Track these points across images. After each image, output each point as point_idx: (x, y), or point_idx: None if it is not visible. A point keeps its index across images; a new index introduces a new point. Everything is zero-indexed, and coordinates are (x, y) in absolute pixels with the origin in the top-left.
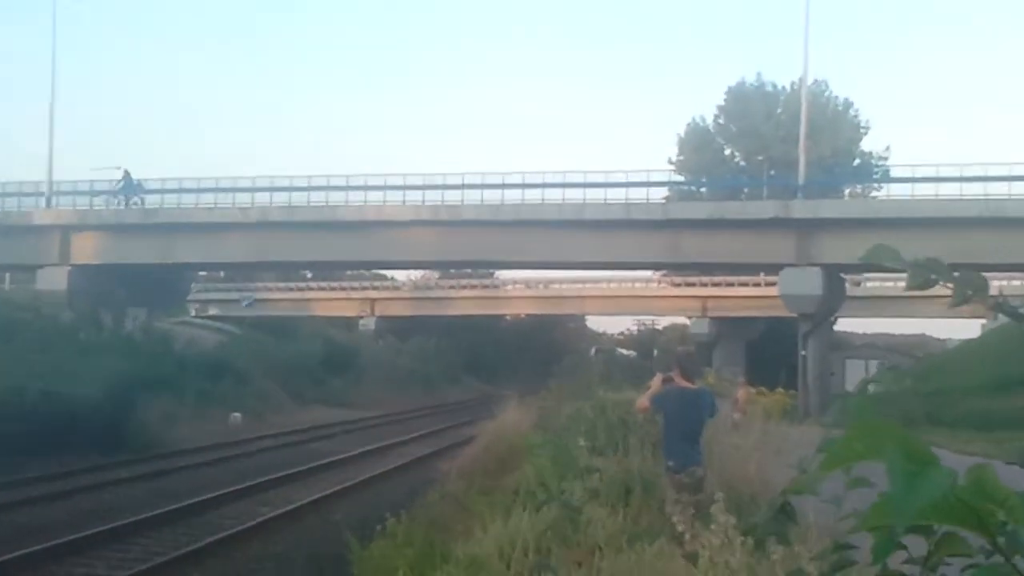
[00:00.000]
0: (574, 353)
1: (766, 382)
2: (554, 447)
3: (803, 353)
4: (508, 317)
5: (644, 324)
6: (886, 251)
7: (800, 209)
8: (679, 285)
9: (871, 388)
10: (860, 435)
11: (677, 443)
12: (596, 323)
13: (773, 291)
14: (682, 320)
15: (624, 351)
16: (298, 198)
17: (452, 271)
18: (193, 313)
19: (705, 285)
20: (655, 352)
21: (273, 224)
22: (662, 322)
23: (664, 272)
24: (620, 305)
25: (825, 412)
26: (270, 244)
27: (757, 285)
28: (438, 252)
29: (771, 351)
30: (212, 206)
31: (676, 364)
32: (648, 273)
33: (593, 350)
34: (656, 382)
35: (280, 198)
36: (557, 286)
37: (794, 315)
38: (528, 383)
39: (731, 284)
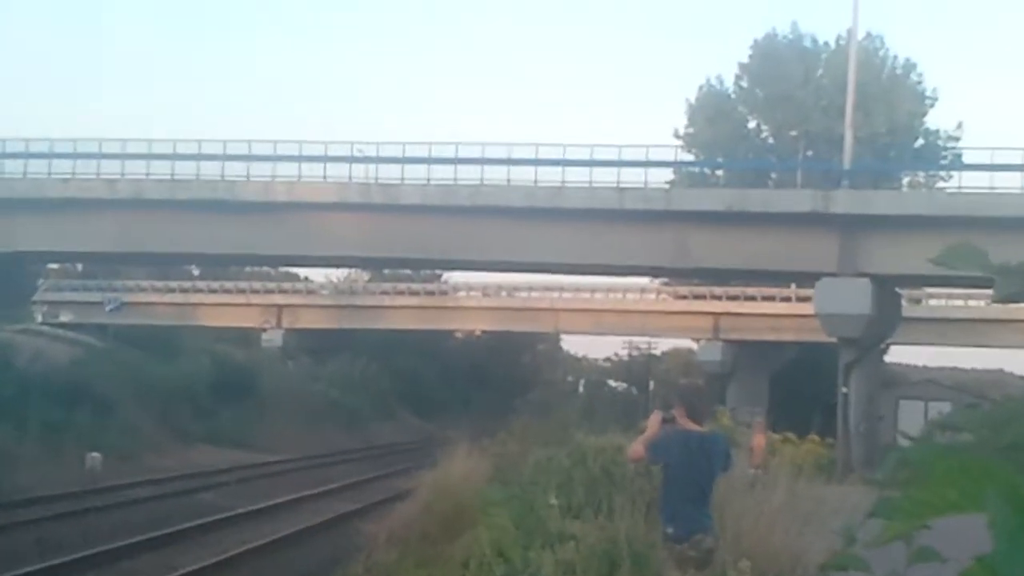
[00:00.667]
0: (545, 383)
1: (796, 427)
2: (517, 506)
3: (844, 390)
4: (459, 334)
5: (638, 348)
6: (967, 252)
7: (845, 202)
8: (684, 297)
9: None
10: (951, 479)
11: (680, 503)
12: (575, 345)
13: (807, 308)
14: (687, 343)
15: (612, 383)
16: (184, 169)
17: (387, 272)
18: (40, 319)
19: (718, 298)
20: (651, 385)
21: (149, 203)
22: (661, 345)
23: (665, 280)
24: (607, 322)
25: (871, 467)
26: (145, 229)
27: (786, 300)
28: (368, 246)
29: (803, 387)
30: (68, 176)
31: (679, 400)
32: (644, 281)
33: (580, 383)
34: (653, 423)
35: (160, 168)
36: (525, 295)
37: (834, 340)
38: (483, 421)
39: (752, 298)
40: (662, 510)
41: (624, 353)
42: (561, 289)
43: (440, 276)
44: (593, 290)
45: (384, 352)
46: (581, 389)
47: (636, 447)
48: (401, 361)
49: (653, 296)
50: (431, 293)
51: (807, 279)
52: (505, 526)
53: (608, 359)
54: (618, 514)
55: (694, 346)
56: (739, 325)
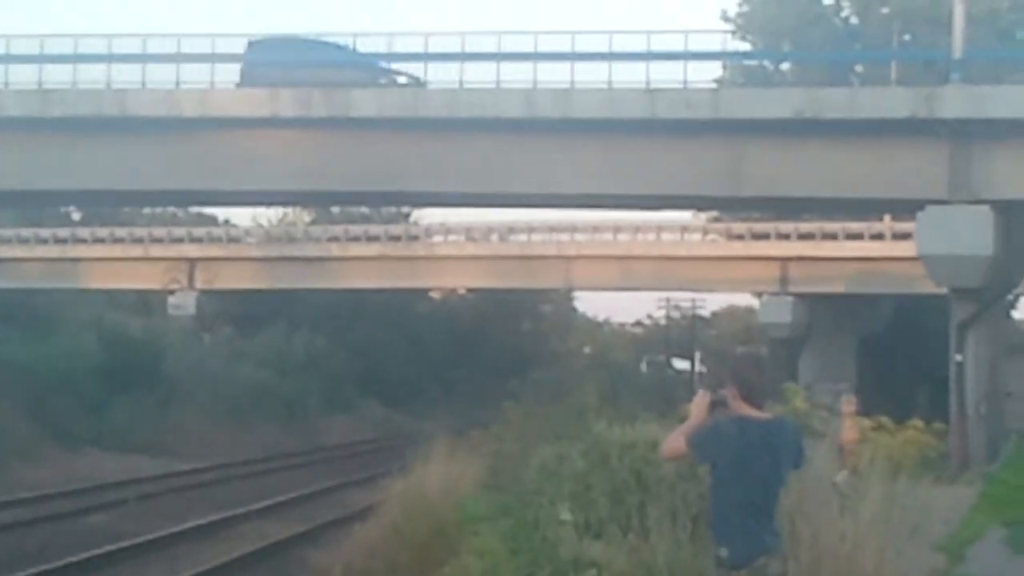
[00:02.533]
0: (553, 358)
1: (894, 409)
2: (516, 523)
3: (959, 359)
4: (437, 295)
5: (679, 308)
6: None
7: (956, 103)
8: (740, 238)
9: None
10: None
11: (736, 516)
12: (594, 305)
13: (907, 249)
14: (746, 300)
15: (645, 355)
16: (57, 75)
17: (336, 211)
18: None
19: (786, 238)
20: (697, 357)
21: (7, 122)
22: (710, 304)
23: (714, 215)
24: (636, 273)
25: (996, 460)
26: (1, 159)
27: (878, 238)
28: (309, 175)
29: (902, 356)
30: None
31: (733, 377)
32: (686, 216)
33: (601, 355)
34: (699, 408)
35: (23, 74)
36: (523, 239)
37: (944, 291)
38: (471, 410)
39: (832, 237)
40: (713, 526)
41: (660, 315)
42: (573, 229)
43: (408, 216)
44: (617, 229)
45: (336, 321)
46: (602, 364)
47: (675, 441)
48: (359, 332)
49: (698, 237)
50: (396, 239)
51: (906, 209)
52: (499, 552)
53: (639, 323)
54: (654, 532)
55: (755, 303)
56: (815, 274)
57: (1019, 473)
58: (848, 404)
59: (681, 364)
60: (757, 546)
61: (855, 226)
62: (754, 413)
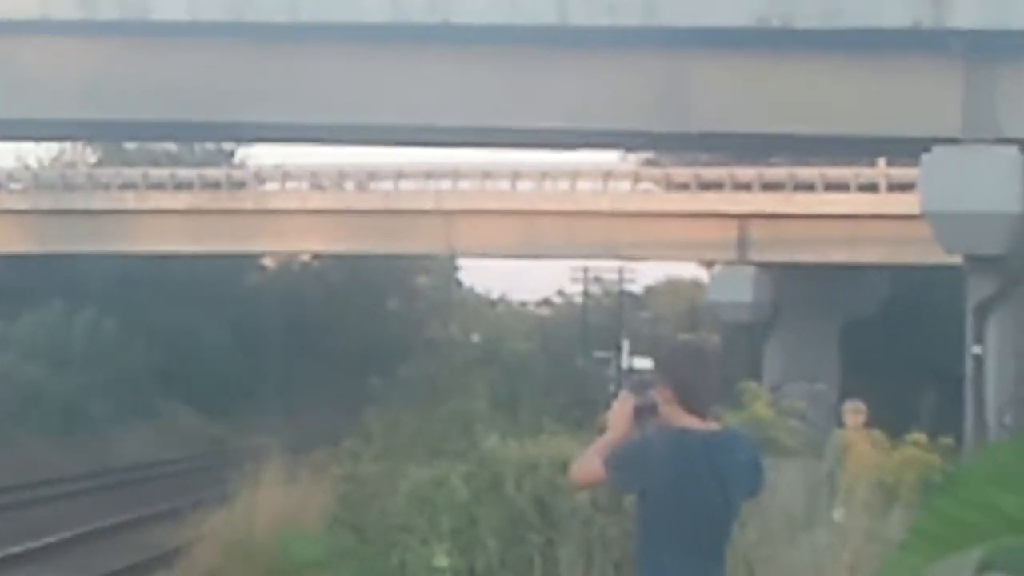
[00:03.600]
0: (429, 348)
1: (890, 417)
2: (366, 570)
3: (976, 351)
4: (271, 262)
5: (600, 279)
6: None
7: (973, 7)
8: (683, 187)
9: None
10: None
11: (671, 561)
12: (485, 276)
13: (908, 204)
14: (691, 271)
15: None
16: None
17: (131, 147)
18: None
19: (746, 188)
20: (625, 347)
21: None
22: (643, 274)
23: (649, 156)
24: (541, 234)
25: None
26: None
27: (869, 189)
28: (96, 99)
29: (900, 346)
30: None
31: (665, 374)
32: (610, 158)
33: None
34: (620, 416)
35: None
36: (389, 187)
37: (956, 261)
38: (315, 419)
39: (807, 186)
40: (639, 573)
41: (576, 291)
42: (456, 176)
43: (232, 156)
44: (516, 176)
45: (131, 297)
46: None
47: (589, 462)
48: (163, 313)
49: (626, 186)
50: (214, 187)
51: (906, 151)
52: None
53: (546, 302)
54: None
55: (703, 276)
56: (784, 237)
57: (962, 499)
58: (855, 414)
59: (604, 356)
60: None
61: (838, 173)
62: (695, 423)
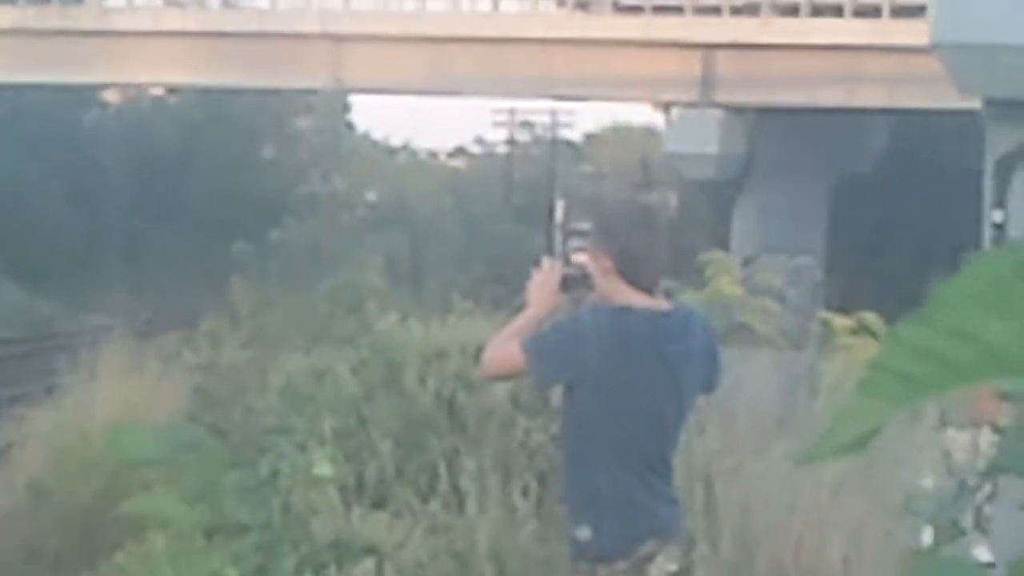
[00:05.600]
0: (310, 205)
1: (887, 301)
2: (229, 473)
3: (998, 217)
4: (115, 97)
5: (529, 124)
6: None
7: None
8: (635, 9)
9: None
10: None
11: (606, 474)
12: (381, 117)
13: (912, 32)
14: (644, 115)
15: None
16: None
17: None
18: None
19: (714, 12)
20: (560, 208)
21: None
22: (583, 118)
23: None
24: (455, 64)
25: None
26: None
27: (868, 13)
28: None
29: (903, 211)
30: None
31: (603, 238)
32: None
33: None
34: (543, 289)
35: None
36: (262, 4)
37: (973, 105)
38: (167, 293)
39: (788, 8)
40: (568, 490)
41: (499, 138)
42: None
43: None
44: None
45: None
46: (396, 218)
47: (504, 346)
48: None
49: (563, 8)
50: (43, 2)
51: None
52: (187, 522)
53: (461, 151)
54: (473, 500)
55: (658, 121)
56: (759, 73)
57: (938, 326)
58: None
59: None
60: (641, 524)
61: None
62: (640, 301)
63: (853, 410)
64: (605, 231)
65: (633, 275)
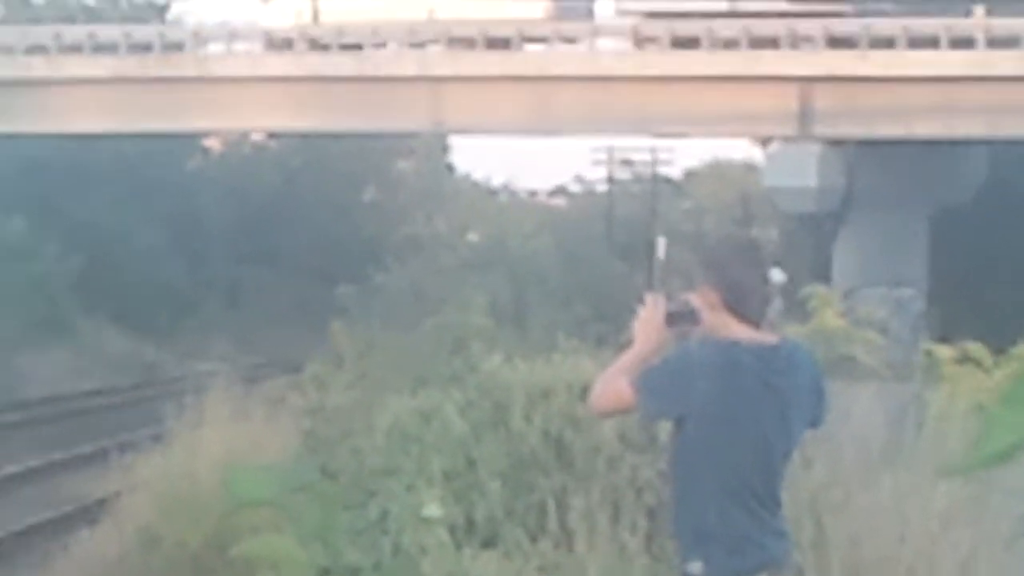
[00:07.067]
0: (414, 248)
1: (990, 331)
2: (338, 516)
3: None
4: (214, 143)
5: (629, 162)
6: None
7: None
8: (732, 44)
9: None
10: None
11: (716, 508)
12: (481, 158)
13: (1013, 62)
14: (742, 150)
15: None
16: None
17: (40, 1)
18: None
19: (809, 42)
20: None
21: None
22: (682, 155)
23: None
24: (554, 104)
25: None
26: None
27: (963, 45)
28: None
29: (1005, 243)
30: None
31: (710, 273)
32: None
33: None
34: (649, 325)
35: None
36: (357, 49)
37: None
38: (271, 339)
39: (885, 42)
40: (677, 524)
41: (598, 176)
42: (447, 36)
43: (166, 10)
44: (521, 32)
45: (42, 187)
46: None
47: (613, 382)
48: (83, 208)
49: (658, 44)
50: (145, 49)
51: None
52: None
53: (561, 190)
54: (582, 537)
55: (757, 156)
56: (858, 105)
57: None
58: None
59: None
60: (751, 557)
61: (924, 24)
62: (747, 334)
63: (1002, 422)
64: (711, 265)
65: (740, 308)
